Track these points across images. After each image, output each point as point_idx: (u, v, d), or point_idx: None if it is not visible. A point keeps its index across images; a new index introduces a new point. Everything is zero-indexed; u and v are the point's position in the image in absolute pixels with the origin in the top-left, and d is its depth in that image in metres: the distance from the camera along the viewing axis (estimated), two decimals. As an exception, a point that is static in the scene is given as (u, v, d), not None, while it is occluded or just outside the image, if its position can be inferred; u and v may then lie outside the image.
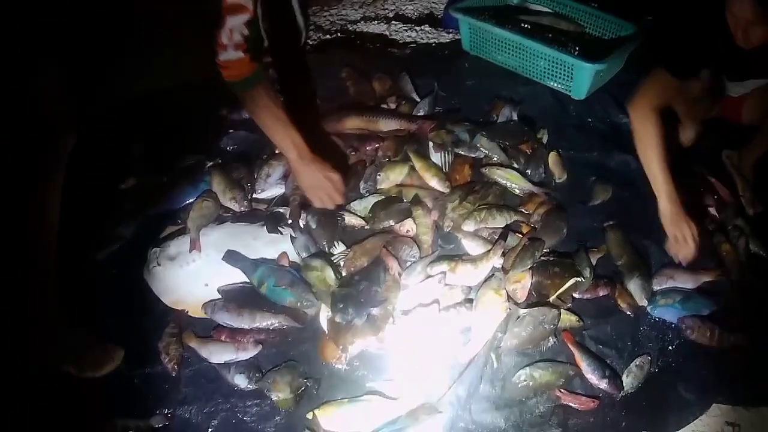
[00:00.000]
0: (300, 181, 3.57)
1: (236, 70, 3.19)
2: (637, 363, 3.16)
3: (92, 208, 3.68)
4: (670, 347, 3.28)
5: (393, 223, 3.61)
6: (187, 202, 3.72)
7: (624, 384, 3.10)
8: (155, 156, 4.10)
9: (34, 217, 2.83)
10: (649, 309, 3.40)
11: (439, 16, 6.07)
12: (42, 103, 2.80)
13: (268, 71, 3.69)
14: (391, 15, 6.16)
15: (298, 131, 3.41)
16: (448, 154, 4.04)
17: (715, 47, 3.40)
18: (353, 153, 4.06)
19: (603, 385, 3.07)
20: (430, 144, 4.08)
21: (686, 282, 3.49)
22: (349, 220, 3.67)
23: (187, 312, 3.32)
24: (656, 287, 3.49)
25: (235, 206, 3.69)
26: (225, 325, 3.21)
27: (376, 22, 5.95)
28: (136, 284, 3.42)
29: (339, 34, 5.66)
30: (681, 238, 3.48)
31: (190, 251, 3.41)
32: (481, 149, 4.07)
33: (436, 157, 4.03)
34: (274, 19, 3.68)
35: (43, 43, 2.91)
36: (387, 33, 5.77)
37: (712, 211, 3.92)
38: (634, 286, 3.43)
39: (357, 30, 5.85)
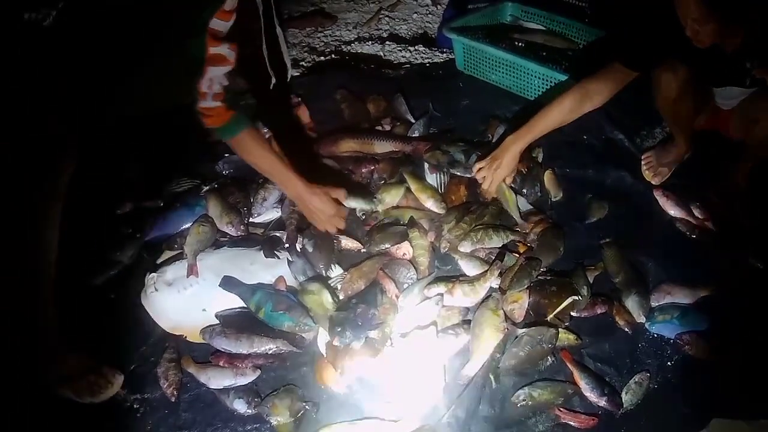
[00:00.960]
0: (305, 214, 3.60)
1: (216, 118, 3.22)
2: (636, 380, 3.15)
3: (89, 232, 3.68)
4: (668, 363, 3.27)
5: (389, 246, 3.61)
6: (184, 226, 3.71)
7: (623, 401, 3.09)
8: (151, 180, 4.10)
9: (35, 241, 2.84)
10: (647, 325, 3.39)
11: (433, 36, 6.11)
12: (44, 124, 2.82)
13: (253, 116, 3.69)
14: (385, 35, 6.19)
15: (291, 163, 3.44)
16: (443, 175, 4.05)
17: (673, 42, 3.43)
18: (349, 175, 4.05)
19: (602, 402, 3.06)
20: (426, 165, 4.09)
21: (684, 297, 3.49)
22: (346, 243, 3.67)
23: (186, 337, 3.32)
24: (654, 303, 3.48)
25: (231, 231, 3.68)
26: (223, 350, 3.20)
27: (370, 42, 5.99)
28: (134, 309, 3.41)
29: (333, 56, 5.68)
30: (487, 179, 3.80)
31: (188, 276, 3.40)
32: (477, 169, 4.05)
33: (431, 178, 4.05)
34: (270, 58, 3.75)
35: (45, 62, 2.94)
36: (381, 53, 5.80)
37: (709, 224, 3.92)
38: (631, 303, 3.43)
39: (351, 51, 5.88)
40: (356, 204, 3.76)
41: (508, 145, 3.81)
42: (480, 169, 3.89)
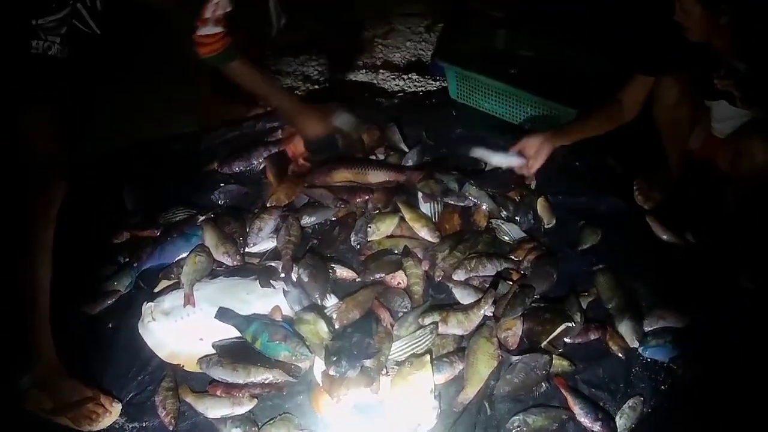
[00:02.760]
0: (299, 125, 3.94)
1: (211, 46, 3.28)
2: (630, 404, 3.17)
3: (87, 261, 3.74)
4: (662, 387, 3.28)
5: (384, 275, 3.64)
6: (181, 256, 3.73)
7: (617, 426, 3.10)
8: (148, 209, 4.14)
9: (27, 268, 2.87)
10: (640, 350, 3.40)
11: (427, 63, 6.13)
12: (34, 148, 2.85)
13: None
14: (379, 63, 6.20)
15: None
16: (437, 203, 4.06)
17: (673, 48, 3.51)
18: (343, 206, 4.09)
19: (596, 427, 3.07)
20: (419, 194, 4.10)
21: (678, 321, 3.49)
22: (340, 272, 3.69)
23: (183, 366, 3.34)
24: (647, 328, 3.49)
25: (227, 260, 3.70)
26: (220, 380, 3.21)
27: (364, 71, 6.01)
28: (132, 338, 3.44)
29: (327, 84, 5.70)
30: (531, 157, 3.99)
31: (185, 306, 3.42)
32: (470, 198, 4.11)
33: (425, 207, 4.05)
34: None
35: (38, 85, 2.98)
36: (375, 82, 5.83)
37: (701, 248, 3.95)
38: (625, 328, 3.43)
39: (345, 79, 5.91)
40: (343, 121, 4.05)
41: (548, 138, 3.99)
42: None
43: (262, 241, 3.88)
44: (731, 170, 3.92)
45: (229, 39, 3.37)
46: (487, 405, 3.11)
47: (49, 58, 3.05)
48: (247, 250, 3.87)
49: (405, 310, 3.48)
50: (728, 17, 3.30)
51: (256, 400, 3.16)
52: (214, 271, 3.69)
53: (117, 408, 3.17)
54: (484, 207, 4.09)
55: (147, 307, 3.46)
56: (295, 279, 3.60)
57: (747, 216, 3.91)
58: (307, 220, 4.00)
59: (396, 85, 5.76)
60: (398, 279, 3.62)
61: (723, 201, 4.04)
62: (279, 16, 4.35)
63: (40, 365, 3.06)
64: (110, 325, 3.54)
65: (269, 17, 4.28)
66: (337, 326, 3.37)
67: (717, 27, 3.34)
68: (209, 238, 3.77)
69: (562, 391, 3.18)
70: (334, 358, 3.09)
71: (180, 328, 3.38)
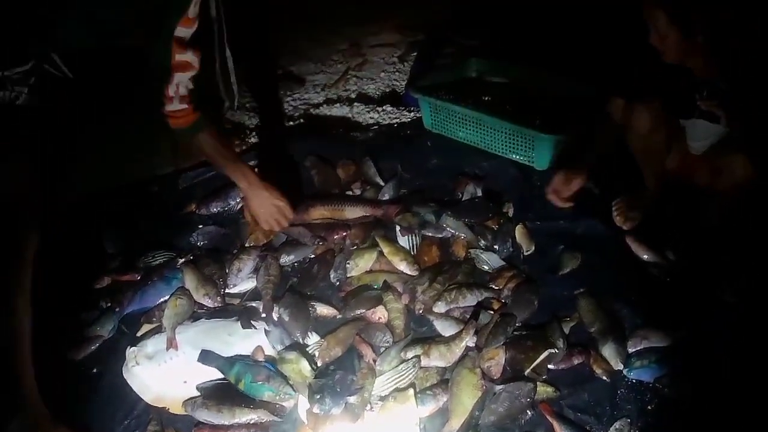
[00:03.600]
0: (250, 207, 3.86)
1: (182, 119, 3.31)
2: (617, 426, 3.13)
3: (68, 307, 3.74)
4: (648, 407, 3.25)
5: (364, 311, 3.64)
6: (162, 299, 3.74)
7: (605, 449, 3.09)
8: (128, 253, 4.14)
9: (4, 314, 2.87)
10: (625, 372, 3.38)
11: (401, 93, 6.15)
12: (6, 201, 2.86)
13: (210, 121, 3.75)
14: (353, 96, 6.23)
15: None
16: (415, 236, 4.08)
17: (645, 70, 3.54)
18: (322, 243, 4.11)
19: (583, 452, 3.06)
20: (397, 228, 4.13)
21: (661, 341, 3.48)
22: (321, 310, 3.69)
23: (168, 409, 3.31)
24: (631, 349, 3.47)
25: (208, 302, 3.71)
26: (205, 422, 3.20)
27: (338, 104, 6.03)
28: (116, 383, 3.42)
29: (301, 120, 5.70)
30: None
31: (167, 349, 3.42)
32: (448, 229, 4.13)
33: (403, 240, 4.08)
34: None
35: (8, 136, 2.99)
36: (350, 115, 5.84)
37: (682, 266, 3.95)
38: (608, 351, 3.42)
39: (320, 114, 5.92)
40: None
41: (579, 169, 4.04)
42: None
43: (242, 282, 3.89)
44: (712, 186, 3.92)
45: (198, 114, 3.42)
46: (472, 435, 3.10)
47: (17, 108, 3.06)
48: (227, 291, 3.88)
49: (387, 344, 3.47)
50: (703, 36, 3.33)
51: (242, 440, 3.15)
52: (196, 314, 3.68)
53: (105, 453, 3.15)
54: (462, 237, 4.10)
55: (130, 351, 3.45)
56: (276, 318, 3.60)
57: (727, 230, 3.93)
58: (286, 259, 4.02)
59: (371, 117, 5.77)
60: (379, 314, 3.63)
61: (703, 214, 4.05)
62: (234, 92, 4.41)
63: (26, 413, 3.04)
64: (94, 370, 3.52)
65: (230, 93, 4.33)
66: (319, 364, 3.38)
67: (692, 47, 3.38)
68: (189, 281, 3.78)
69: (548, 417, 3.16)
70: (318, 396, 3.09)
71: (164, 371, 3.37)
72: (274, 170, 4.59)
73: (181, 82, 3.27)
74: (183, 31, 3.19)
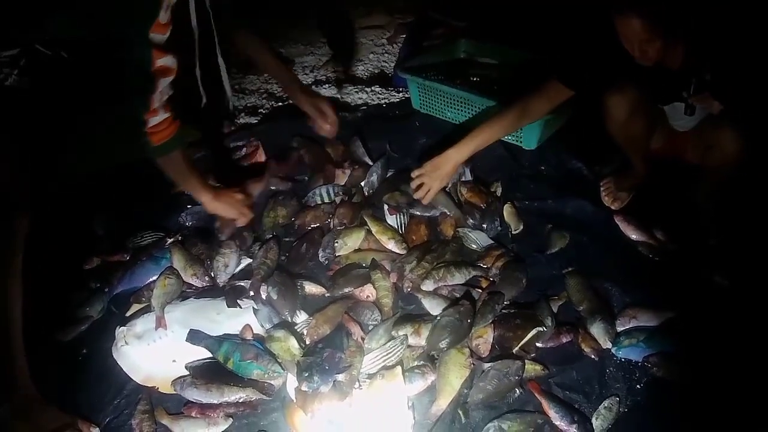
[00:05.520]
0: (217, 215, 3.93)
1: (161, 133, 3.29)
2: (606, 405, 3.15)
3: (58, 288, 3.74)
4: (637, 386, 3.27)
5: (353, 289, 3.65)
6: (151, 279, 3.75)
7: (594, 427, 3.08)
8: (117, 234, 4.14)
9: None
10: (613, 351, 3.38)
11: (390, 74, 6.16)
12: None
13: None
14: (342, 77, 6.23)
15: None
16: (403, 215, 4.09)
17: (617, 62, 3.52)
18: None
19: (573, 430, 3.05)
20: (385, 206, 4.14)
21: (650, 320, 3.48)
22: (309, 288, 3.70)
23: (158, 388, 3.32)
24: (620, 328, 3.48)
25: (196, 282, 3.73)
26: (195, 401, 3.21)
27: (327, 85, 6.04)
28: (106, 363, 3.42)
29: (290, 101, 5.68)
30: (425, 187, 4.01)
31: (156, 329, 3.43)
32: (439, 208, 4.14)
33: (391, 219, 4.09)
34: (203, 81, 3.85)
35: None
36: (338, 96, 5.85)
37: (671, 246, 3.96)
38: (596, 329, 3.43)
39: (309, 95, 5.87)
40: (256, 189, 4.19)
41: (450, 156, 3.97)
42: (420, 175, 4.00)
43: (231, 270, 3.88)
44: (702, 163, 3.93)
45: (177, 124, 3.39)
46: (461, 413, 3.08)
47: (6, 89, 3.04)
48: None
49: (375, 323, 3.47)
50: (680, 33, 3.32)
51: (231, 419, 3.15)
52: (184, 293, 3.70)
53: (95, 432, 3.16)
54: (450, 215, 4.11)
55: (120, 331, 3.46)
56: (264, 297, 3.61)
57: (718, 211, 3.93)
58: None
59: (359, 98, 5.78)
60: (367, 292, 3.63)
61: (693, 193, 4.04)
62: (229, 96, 4.41)
63: (17, 394, 3.04)
64: (84, 351, 3.53)
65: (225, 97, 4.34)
66: (308, 342, 3.38)
67: (672, 50, 3.37)
68: (177, 261, 3.78)
69: (537, 395, 3.17)
70: (306, 374, 3.10)
71: (153, 351, 3.38)
72: (261, 152, 4.61)
73: (164, 89, 3.25)
74: (158, 37, 3.17)
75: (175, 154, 3.48)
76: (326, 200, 4.29)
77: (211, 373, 3.28)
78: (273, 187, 4.45)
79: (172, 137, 3.35)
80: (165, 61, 3.18)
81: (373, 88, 5.91)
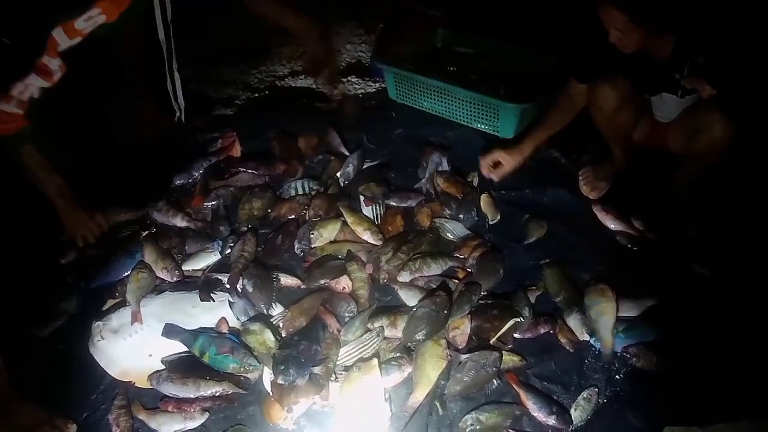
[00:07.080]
0: (64, 220, 3.88)
1: (11, 124, 3.26)
2: (585, 396, 3.15)
3: (34, 283, 3.72)
4: (616, 377, 3.28)
5: (328, 280, 3.63)
6: (126, 274, 3.70)
7: (573, 418, 3.09)
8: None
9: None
10: (592, 342, 3.38)
11: (367, 65, 6.13)
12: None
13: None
14: (318, 67, 6.17)
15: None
16: (378, 206, 4.09)
17: (606, 52, 3.55)
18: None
19: (551, 421, 3.05)
20: (361, 198, 4.12)
21: (628, 310, 3.48)
22: (285, 280, 3.67)
23: (135, 383, 3.31)
24: (598, 319, 3.48)
25: (167, 276, 3.68)
26: (171, 395, 3.19)
27: (303, 76, 6.00)
28: (82, 358, 3.40)
29: (267, 92, 5.66)
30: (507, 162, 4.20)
31: (132, 323, 3.39)
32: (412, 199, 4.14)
33: (367, 210, 4.08)
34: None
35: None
36: (314, 86, 5.82)
37: (650, 236, 3.96)
38: (574, 321, 3.43)
39: (285, 85, 5.91)
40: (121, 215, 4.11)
41: (524, 148, 4.17)
42: (499, 153, 4.16)
43: (203, 257, 3.87)
44: (688, 149, 3.93)
45: (27, 122, 3.36)
46: (438, 405, 3.09)
47: None
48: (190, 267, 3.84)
49: (351, 314, 3.45)
50: (662, 20, 3.32)
51: (207, 413, 3.14)
52: (159, 286, 3.66)
53: (72, 429, 3.13)
54: (426, 205, 4.12)
55: (96, 326, 3.43)
56: (239, 290, 3.58)
57: (695, 199, 3.93)
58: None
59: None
60: (343, 284, 3.62)
61: (672, 181, 4.05)
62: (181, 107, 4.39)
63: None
64: (60, 347, 3.51)
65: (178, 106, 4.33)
66: (283, 335, 3.35)
67: (658, 40, 3.37)
68: (148, 255, 3.76)
69: (514, 386, 3.17)
70: (282, 367, 3.08)
71: (129, 345, 3.35)
72: (236, 144, 4.59)
73: (32, 87, 3.21)
74: (63, 38, 3.13)
75: (30, 151, 3.52)
76: (300, 192, 4.26)
77: (187, 367, 3.26)
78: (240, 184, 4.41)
79: (18, 131, 3.33)
80: (52, 63, 3.15)
81: (349, 78, 5.90)
